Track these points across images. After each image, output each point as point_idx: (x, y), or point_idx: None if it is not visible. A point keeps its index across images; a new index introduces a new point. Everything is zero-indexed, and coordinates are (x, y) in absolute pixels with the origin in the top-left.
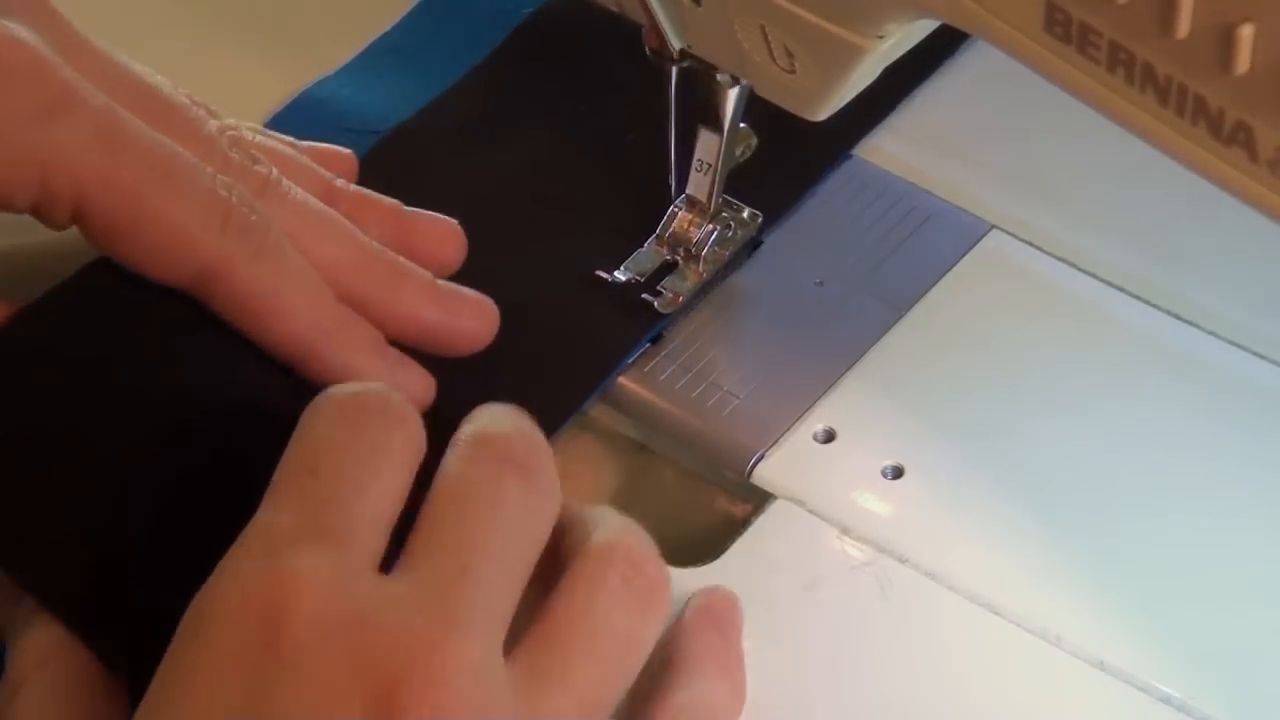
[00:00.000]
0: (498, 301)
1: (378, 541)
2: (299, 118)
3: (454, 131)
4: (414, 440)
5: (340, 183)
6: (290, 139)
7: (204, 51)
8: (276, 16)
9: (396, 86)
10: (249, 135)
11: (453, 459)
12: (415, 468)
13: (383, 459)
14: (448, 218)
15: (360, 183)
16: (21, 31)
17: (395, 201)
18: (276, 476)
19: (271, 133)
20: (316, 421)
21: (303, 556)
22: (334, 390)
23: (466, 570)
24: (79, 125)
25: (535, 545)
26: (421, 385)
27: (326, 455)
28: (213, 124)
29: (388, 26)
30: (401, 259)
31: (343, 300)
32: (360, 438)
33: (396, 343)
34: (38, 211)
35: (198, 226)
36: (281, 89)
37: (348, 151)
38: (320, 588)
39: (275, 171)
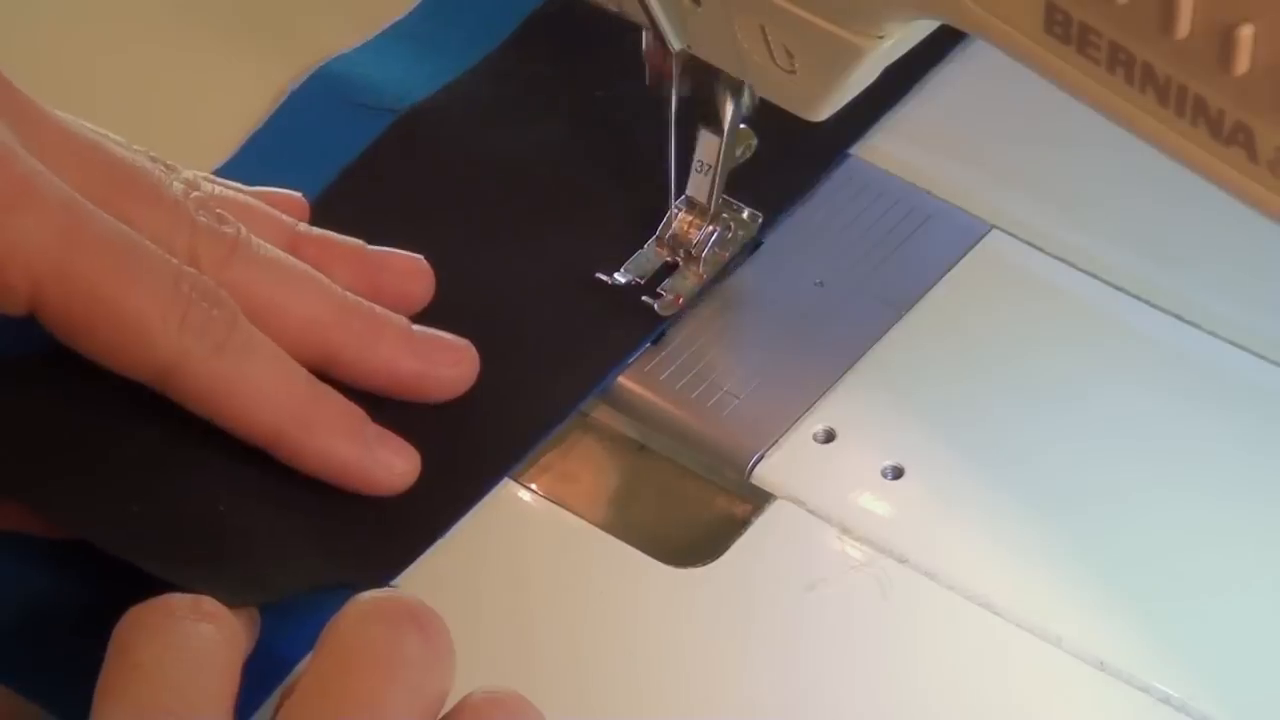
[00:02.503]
0: (498, 303)
1: (221, 717)
2: (315, 91)
3: (446, 133)
4: (228, 633)
5: (302, 227)
6: (239, 185)
7: (202, 48)
8: (278, 15)
9: (415, 67)
10: (208, 189)
11: (340, 618)
12: (237, 662)
13: (198, 648)
14: (413, 254)
15: (369, 166)
16: None
17: (358, 241)
18: (96, 691)
19: (226, 182)
20: (125, 630)
21: None
22: (140, 605)
23: None
24: (36, 220)
25: (434, 706)
26: (402, 462)
27: (142, 650)
28: (177, 186)
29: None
30: (377, 309)
31: (321, 356)
32: (174, 634)
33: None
34: None
35: (156, 324)
36: (281, 86)
37: (298, 195)
38: None
39: (243, 230)
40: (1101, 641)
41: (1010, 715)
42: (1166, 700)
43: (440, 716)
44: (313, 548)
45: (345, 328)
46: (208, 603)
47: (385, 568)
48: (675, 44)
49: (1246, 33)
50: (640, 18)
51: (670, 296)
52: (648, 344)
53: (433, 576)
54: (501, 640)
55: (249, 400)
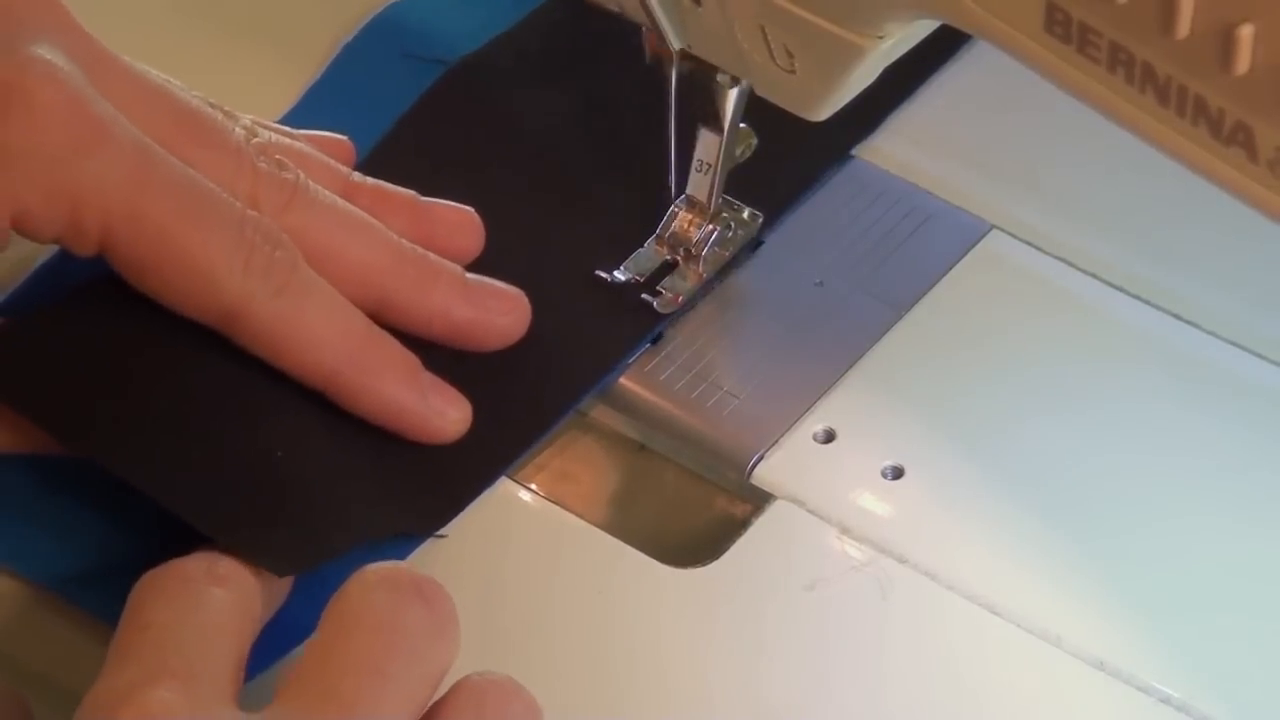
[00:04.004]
0: None
1: (226, 682)
2: (367, 42)
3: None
4: (241, 597)
5: (356, 177)
6: (290, 129)
7: (212, 52)
8: (279, 15)
9: (466, 17)
10: (265, 135)
11: (347, 588)
12: (248, 627)
13: (210, 613)
14: (465, 206)
15: (417, 120)
16: (57, 64)
17: (411, 192)
18: (109, 650)
19: (278, 126)
20: (139, 592)
21: (153, 696)
22: (155, 569)
23: (350, 703)
24: (110, 163)
25: (435, 677)
26: (455, 410)
27: (154, 613)
28: (239, 132)
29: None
30: (432, 256)
31: (377, 301)
32: (187, 597)
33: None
34: (64, 242)
35: (222, 267)
36: (285, 88)
37: (344, 138)
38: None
39: (302, 176)
40: (1101, 641)
41: (1010, 715)
42: (1166, 700)
43: (439, 694)
44: (365, 495)
45: (400, 274)
46: (223, 566)
47: (435, 517)
48: (675, 44)
49: (1246, 33)
50: (640, 17)
51: (670, 295)
52: (647, 343)
53: (432, 575)
54: (501, 640)
55: (308, 342)
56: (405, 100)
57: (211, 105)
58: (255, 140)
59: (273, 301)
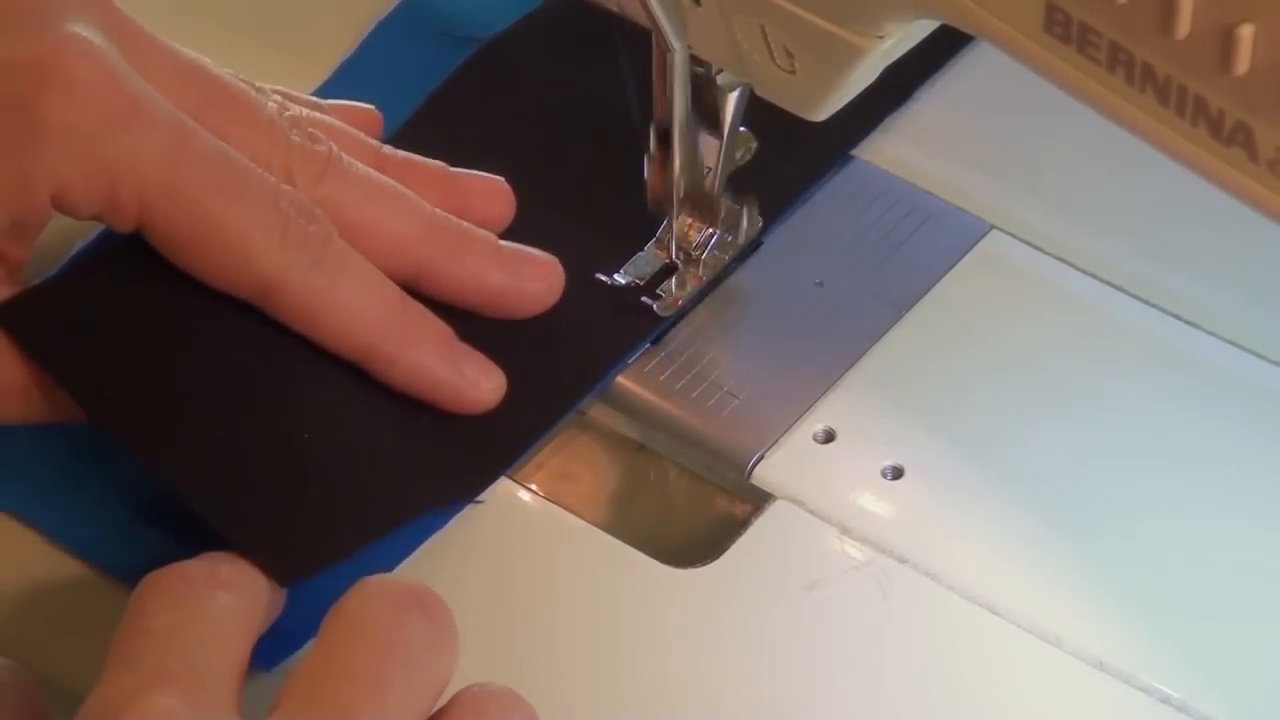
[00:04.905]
0: None
1: (227, 688)
2: (401, 19)
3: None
4: (244, 602)
5: (386, 149)
6: (318, 100)
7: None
8: (281, 17)
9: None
10: (294, 109)
11: (347, 598)
12: (251, 633)
13: (212, 618)
14: (495, 176)
15: (449, 96)
16: (93, 41)
17: (440, 163)
18: (109, 654)
19: (310, 99)
20: (141, 595)
21: (153, 701)
22: (158, 571)
23: (349, 713)
24: (146, 138)
25: (435, 689)
26: (490, 381)
27: (156, 617)
28: (271, 105)
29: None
30: (465, 224)
31: (411, 271)
32: (189, 601)
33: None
34: (103, 218)
35: (258, 241)
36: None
37: (372, 108)
38: None
39: (334, 148)
40: (1101, 641)
41: (1010, 715)
42: (1166, 700)
43: (437, 706)
44: (391, 474)
45: (434, 242)
46: (225, 570)
47: (467, 488)
48: (675, 44)
49: (1246, 33)
50: (640, 17)
51: (669, 298)
52: (647, 344)
53: (431, 576)
54: (501, 640)
55: (344, 314)
56: (437, 77)
57: (243, 81)
58: (288, 114)
59: (308, 275)
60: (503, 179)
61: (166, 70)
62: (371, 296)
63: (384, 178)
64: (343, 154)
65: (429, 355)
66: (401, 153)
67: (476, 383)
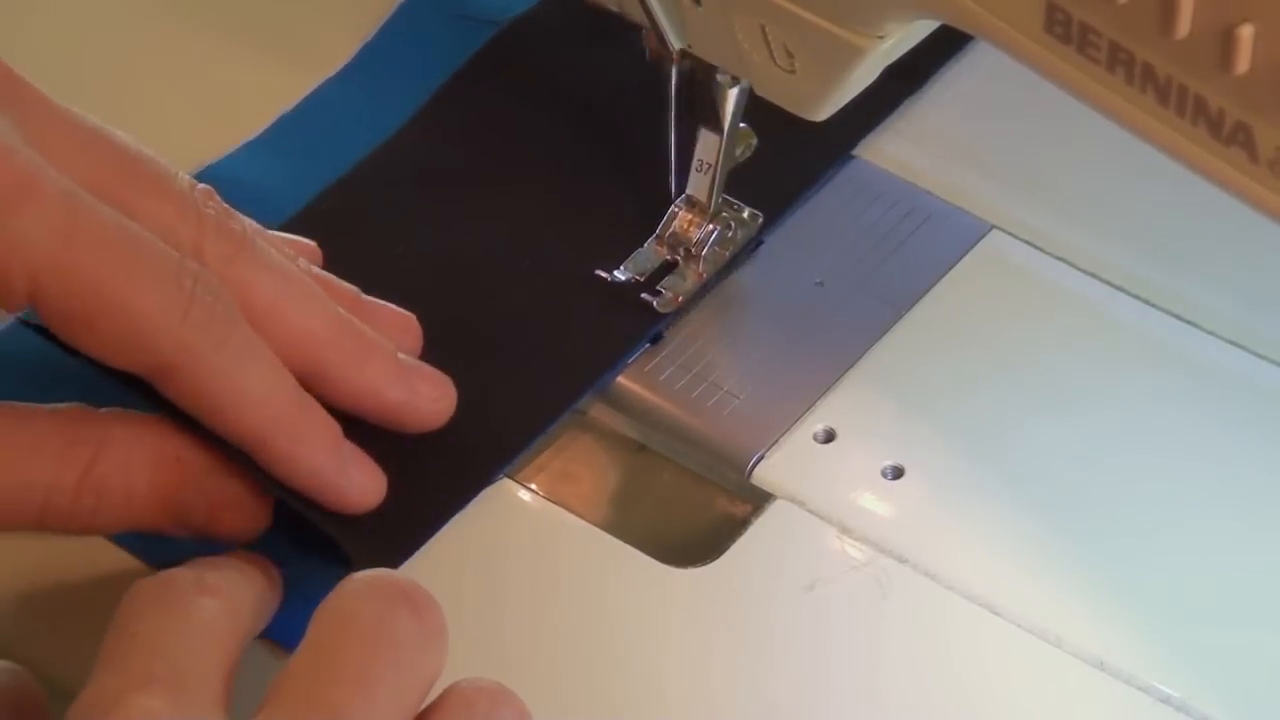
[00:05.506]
0: (497, 298)
1: (211, 690)
2: (422, 2)
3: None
4: (230, 607)
5: (302, 262)
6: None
7: (211, 57)
8: (281, 18)
9: None
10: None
11: (334, 595)
12: (237, 637)
13: (197, 622)
14: (404, 311)
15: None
16: None
17: (353, 287)
18: (98, 655)
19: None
20: (129, 601)
21: (138, 703)
22: (143, 579)
23: (338, 711)
24: (37, 214)
25: (424, 685)
26: (373, 483)
27: (142, 621)
28: (183, 178)
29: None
30: (368, 331)
31: (310, 370)
32: (175, 606)
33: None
34: None
35: (158, 319)
36: (287, 87)
37: (311, 243)
38: None
39: (250, 228)
40: (1101, 641)
41: (1010, 715)
42: (1166, 700)
43: (427, 702)
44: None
45: (338, 345)
46: (211, 577)
47: (467, 488)
48: (675, 44)
49: (1246, 33)
50: (640, 17)
51: (670, 295)
52: (646, 343)
53: (430, 576)
54: (500, 640)
55: (244, 403)
56: (456, 60)
57: (151, 153)
58: (201, 187)
59: (213, 357)
60: (412, 315)
61: (69, 142)
62: (273, 389)
63: (297, 268)
64: (258, 237)
65: (320, 454)
66: (315, 269)
67: (361, 483)
